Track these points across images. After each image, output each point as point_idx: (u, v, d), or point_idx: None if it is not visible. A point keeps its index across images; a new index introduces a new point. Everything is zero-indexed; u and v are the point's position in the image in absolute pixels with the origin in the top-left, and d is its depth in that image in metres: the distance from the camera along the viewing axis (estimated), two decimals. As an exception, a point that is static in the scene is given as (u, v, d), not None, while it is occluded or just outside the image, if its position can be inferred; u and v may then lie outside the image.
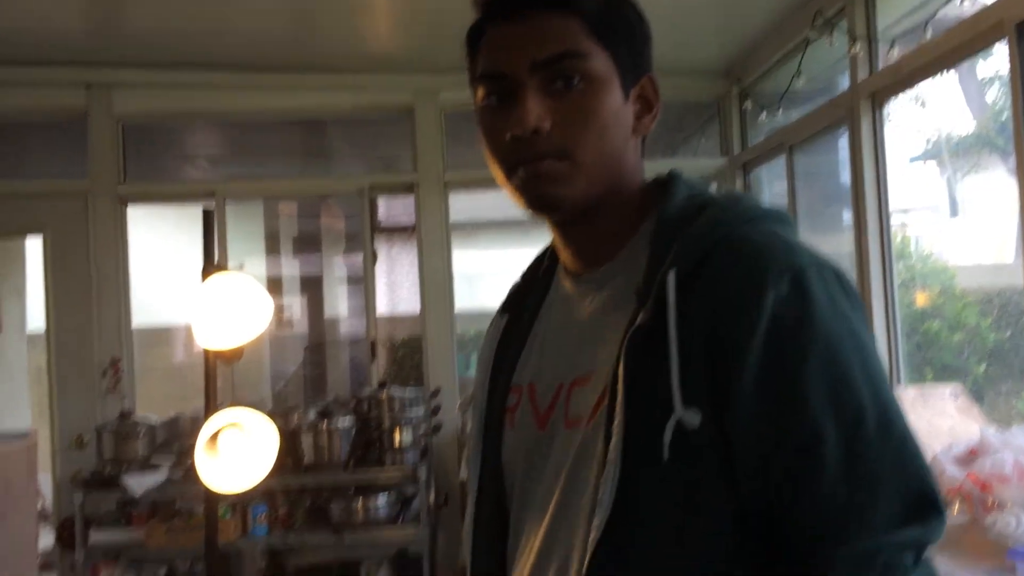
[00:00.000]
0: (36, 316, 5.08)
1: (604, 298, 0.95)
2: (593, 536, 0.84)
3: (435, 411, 4.02)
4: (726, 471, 0.82)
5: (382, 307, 5.17)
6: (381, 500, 3.64)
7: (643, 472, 0.82)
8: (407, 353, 5.06)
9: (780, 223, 0.90)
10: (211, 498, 2.76)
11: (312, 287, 6.02)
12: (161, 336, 5.36)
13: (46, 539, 4.90)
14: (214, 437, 2.52)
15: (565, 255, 1.00)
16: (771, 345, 0.80)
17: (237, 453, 2.55)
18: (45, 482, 4.75)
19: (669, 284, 0.83)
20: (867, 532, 0.78)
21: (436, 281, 4.32)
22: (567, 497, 0.90)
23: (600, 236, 0.95)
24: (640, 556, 0.84)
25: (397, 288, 5.51)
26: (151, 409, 4.13)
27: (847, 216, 3.43)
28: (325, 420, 3.69)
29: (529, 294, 1.07)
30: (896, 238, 3.42)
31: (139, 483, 3.59)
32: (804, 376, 0.80)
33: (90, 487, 3.68)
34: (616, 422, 0.83)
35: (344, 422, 3.70)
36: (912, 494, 0.79)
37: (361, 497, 3.64)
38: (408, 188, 4.42)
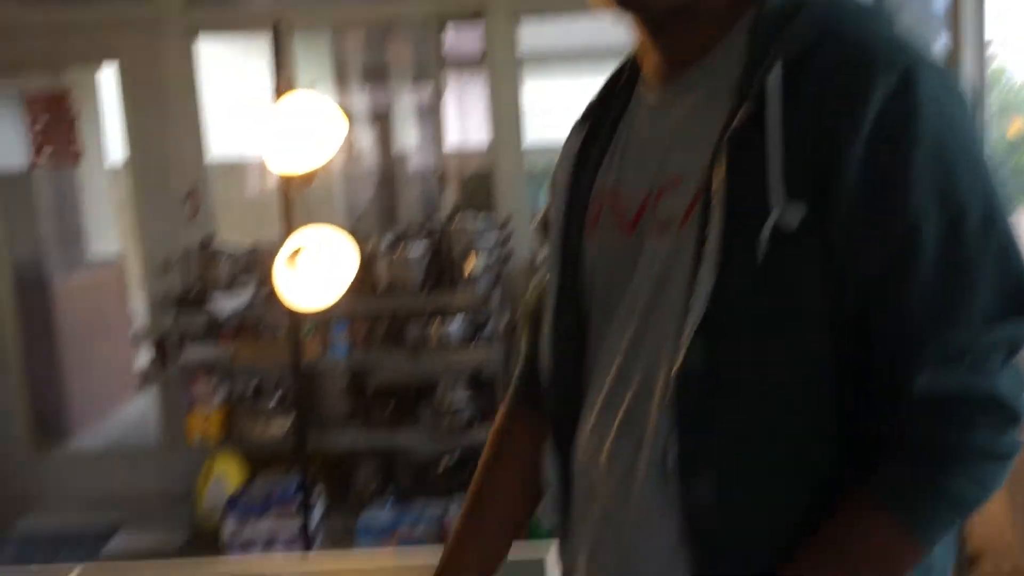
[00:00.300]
0: (116, 147, 5.22)
1: (694, 101, 0.92)
2: (686, 336, 0.83)
3: (506, 240, 4.07)
4: (823, 273, 0.81)
5: (452, 140, 5.15)
6: (455, 324, 3.77)
7: (738, 275, 0.82)
8: (477, 186, 5.07)
9: (887, 22, 0.87)
10: (294, 316, 2.89)
11: (381, 120, 6.01)
12: (237, 169, 5.46)
13: (143, 358, 5.21)
14: (293, 256, 2.61)
15: (651, 61, 0.97)
16: (877, 137, 0.78)
17: (316, 271, 2.64)
18: (139, 305, 5.01)
19: (774, 76, 0.81)
20: (959, 326, 0.78)
21: (506, 114, 4.27)
22: (655, 303, 0.90)
23: (690, 37, 0.92)
24: (731, 364, 0.84)
25: (467, 120, 5.47)
26: (230, 239, 4.27)
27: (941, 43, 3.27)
28: (399, 246, 3.78)
29: (608, 109, 1.05)
30: (990, 66, 3.26)
31: (224, 304, 3.77)
32: (909, 166, 0.78)
33: (180, 307, 3.88)
34: (712, 222, 0.83)
35: (417, 249, 3.78)
36: (1010, 290, 0.79)
37: (435, 321, 3.77)
38: (477, 15, 4.31)
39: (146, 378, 5.42)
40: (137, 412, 5.41)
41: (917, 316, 0.80)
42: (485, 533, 1.12)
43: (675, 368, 0.85)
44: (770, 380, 0.84)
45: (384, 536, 3.52)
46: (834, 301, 0.81)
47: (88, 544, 3.91)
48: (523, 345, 1.15)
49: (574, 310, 1.01)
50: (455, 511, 3.71)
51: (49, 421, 4.78)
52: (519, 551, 1.57)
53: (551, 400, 1.02)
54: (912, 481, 0.81)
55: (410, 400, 3.91)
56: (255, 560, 1.30)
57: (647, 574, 0.91)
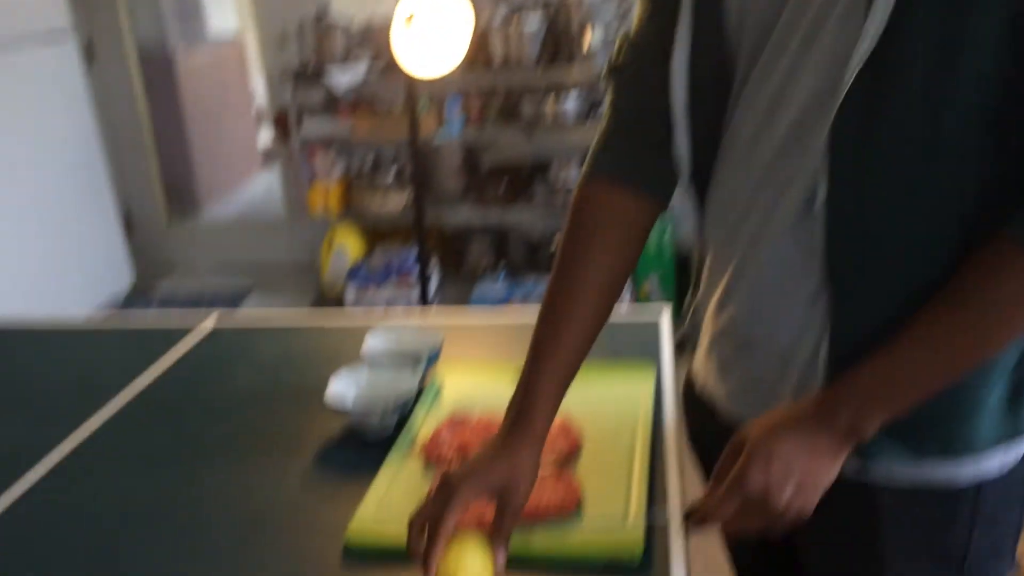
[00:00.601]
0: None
1: None
2: (853, 67, 0.77)
3: (625, 13, 3.88)
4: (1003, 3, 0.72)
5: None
6: (570, 100, 3.68)
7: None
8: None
9: None
10: (410, 89, 2.87)
11: None
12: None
13: (266, 134, 5.33)
14: (408, 20, 2.55)
15: None
16: None
17: (431, 38, 2.58)
18: (258, 83, 5.06)
19: None
20: None
21: None
22: (814, 37, 0.82)
23: None
24: (895, 102, 0.77)
25: None
26: (344, 11, 4.21)
27: None
28: (514, 19, 3.65)
29: None
30: None
31: (340, 78, 3.77)
32: None
33: (297, 82, 3.91)
34: None
35: (533, 22, 3.65)
36: None
37: (550, 97, 3.69)
38: None
39: (269, 153, 5.59)
40: (263, 186, 5.62)
41: None
42: (573, 329, 1.00)
43: (837, 103, 0.79)
44: (931, 121, 0.77)
45: (497, 307, 3.65)
46: (1010, 37, 0.73)
47: (222, 305, 4.20)
48: (618, 102, 1.02)
49: (716, 46, 0.92)
50: (566, 287, 3.79)
51: (182, 194, 5.03)
52: (635, 314, 1.60)
53: (684, 143, 0.96)
54: None
55: (524, 178, 3.92)
56: (378, 313, 1.38)
57: (783, 326, 0.91)
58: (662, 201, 1.01)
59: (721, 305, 0.98)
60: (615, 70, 1.02)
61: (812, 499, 0.85)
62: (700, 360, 1.08)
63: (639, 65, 0.99)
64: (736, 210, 0.93)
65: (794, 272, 0.88)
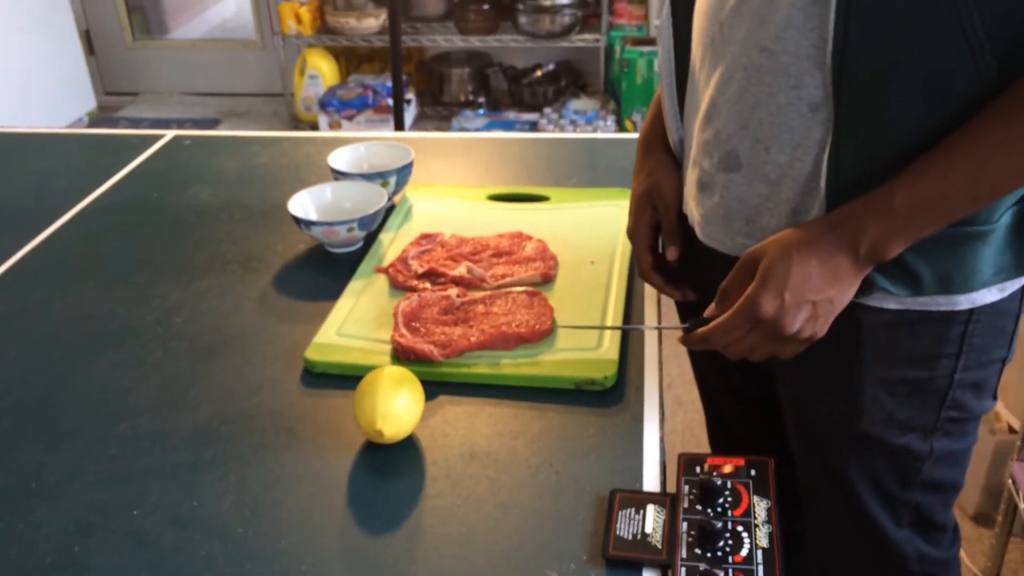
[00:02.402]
0: None
1: None
2: None
3: None
4: None
5: None
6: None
7: None
8: None
9: None
10: None
11: None
12: None
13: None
14: None
15: None
16: None
17: None
18: None
19: None
20: None
21: None
22: None
23: None
24: None
25: None
26: None
27: None
28: None
29: None
30: None
31: None
32: None
33: None
34: None
35: None
36: None
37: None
38: None
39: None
40: (232, 7, 5.33)
41: None
42: None
43: None
44: None
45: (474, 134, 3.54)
46: None
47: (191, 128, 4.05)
48: None
49: None
50: (546, 124, 3.67)
51: (147, 14, 4.75)
52: (617, 142, 1.50)
53: None
54: None
55: (508, 2, 3.71)
56: (350, 136, 1.29)
57: (776, 138, 0.83)
58: None
59: (707, 118, 0.90)
60: None
61: (825, 324, 0.81)
62: (683, 181, 1.01)
63: None
64: (726, 7, 0.84)
65: (792, 75, 0.79)
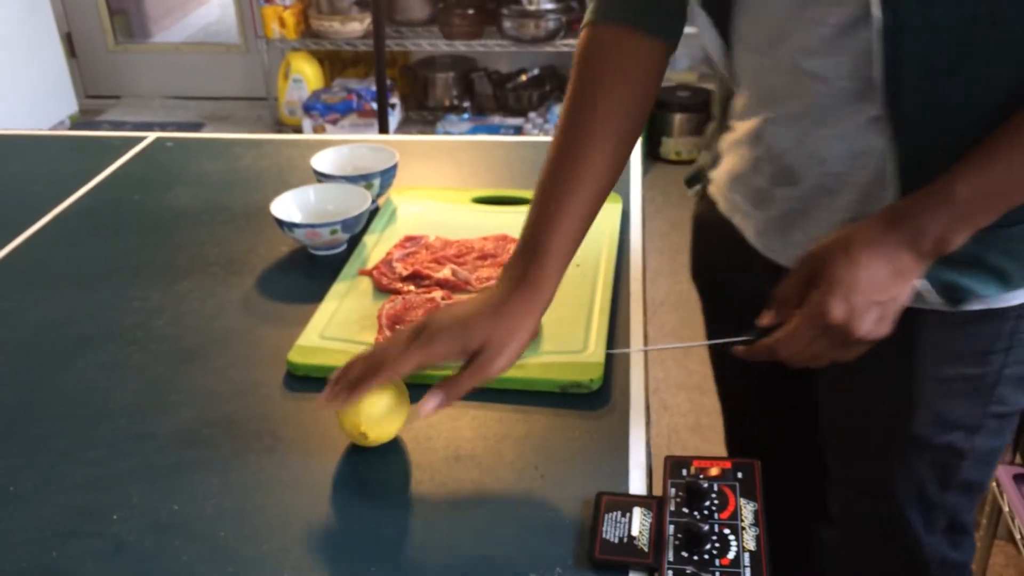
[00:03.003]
0: None
1: None
2: None
3: None
4: None
5: None
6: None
7: None
8: None
9: None
10: None
11: None
12: None
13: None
14: None
15: None
16: None
17: None
18: None
19: None
20: None
21: None
22: None
23: None
24: None
25: None
26: None
27: None
28: None
29: None
30: None
31: None
32: None
33: None
34: None
35: None
36: None
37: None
38: None
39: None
40: (216, 12, 5.31)
41: None
42: (583, 188, 0.89)
43: None
44: None
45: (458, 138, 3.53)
46: None
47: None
48: None
49: None
50: (531, 129, 3.67)
51: (129, 17, 4.72)
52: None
53: None
54: None
55: (492, 6, 3.71)
56: (334, 139, 1.28)
57: (833, 152, 0.83)
58: (672, 42, 0.92)
59: (757, 135, 0.90)
60: None
61: (891, 322, 0.80)
62: (723, 192, 1.01)
63: None
64: (773, 31, 0.83)
65: (846, 95, 0.80)
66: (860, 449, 0.97)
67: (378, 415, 0.82)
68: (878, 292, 0.77)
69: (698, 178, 1.09)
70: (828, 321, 0.78)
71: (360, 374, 0.79)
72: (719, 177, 1.01)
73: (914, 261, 0.77)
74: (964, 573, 1.03)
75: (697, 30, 0.92)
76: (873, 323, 0.78)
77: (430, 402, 0.79)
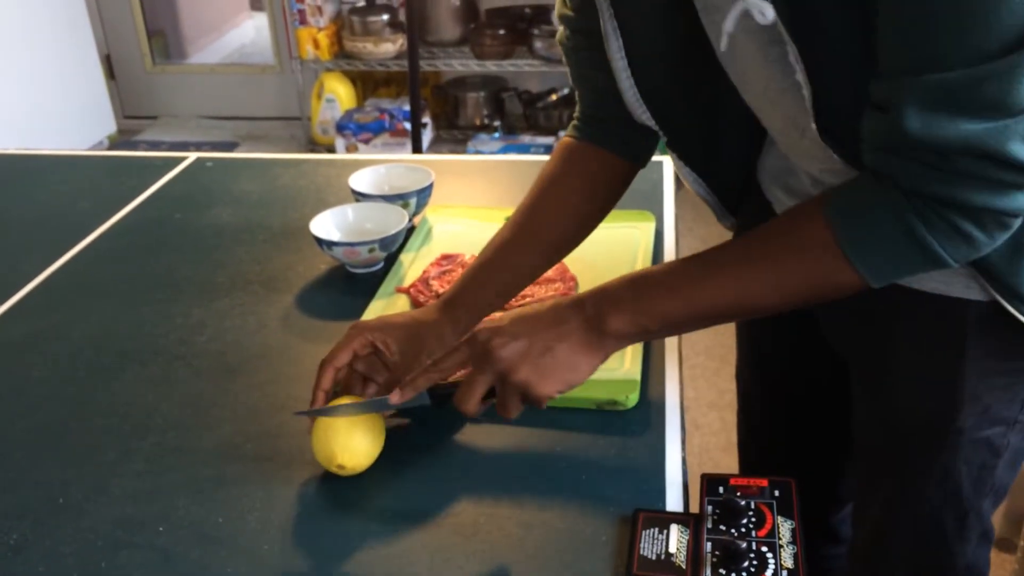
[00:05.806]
0: None
1: None
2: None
3: None
4: None
5: None
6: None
7: None
8: None
9: None
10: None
11: None
12: None
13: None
14: None
15: None
16: None
17: None
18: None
19: None
20: (943, 63, 0.64)
21: None
22: None
23: None
24: None
25: None
26: None
27: None
28: None
29: None
30: None
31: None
32: None
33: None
34: None
35: None
36: (1006, 34, 0.61)
37: (553, -60, 3.48)
38: None
39: (256, -4, 5.33)
40: (251, 32, 5.40)
41: (904, 54, 0.66)
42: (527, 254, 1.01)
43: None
44: None
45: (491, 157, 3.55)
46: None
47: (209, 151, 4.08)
48: (574, 74, 1.01)
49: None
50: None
51: (167, 39, 4.82)
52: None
53: (649, 120, 0.94)
54: (857, 194, 0.73)
55: (523, 27, 3.74)
56: (370, 159, 1.30)
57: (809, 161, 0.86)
58: (641, 163, 1.02)
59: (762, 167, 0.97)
60: (561, 44, 1.00)
61: (549, 378, 0.80)
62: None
63: (580, 44, 0.97)
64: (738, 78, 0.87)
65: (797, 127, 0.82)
66: (898, 449, 0.96)
67: (354, 445, 0.84)
68: (526, 326, 0.81)
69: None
70: (475, 343, 0.81)
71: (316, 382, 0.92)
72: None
73: (579, 324, 0.80)
74: None
75: None
76: (517, 355, 0.79)
77: (394, 396, 0.85)
